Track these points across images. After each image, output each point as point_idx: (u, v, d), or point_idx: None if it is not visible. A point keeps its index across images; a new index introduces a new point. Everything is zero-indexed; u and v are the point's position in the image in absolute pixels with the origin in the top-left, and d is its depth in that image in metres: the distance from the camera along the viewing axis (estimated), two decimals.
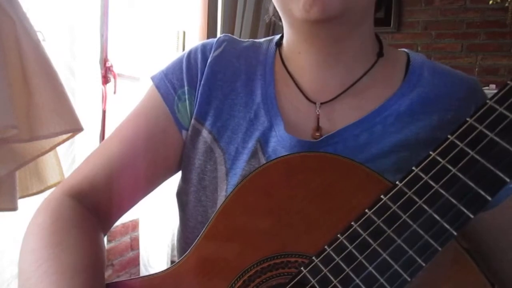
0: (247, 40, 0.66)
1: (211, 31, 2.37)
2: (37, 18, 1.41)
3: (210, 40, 0.65)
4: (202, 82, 0.61)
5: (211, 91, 0.61)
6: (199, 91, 0.61)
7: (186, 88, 0.61)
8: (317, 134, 0.56)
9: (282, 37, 0.64)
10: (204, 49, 0.63)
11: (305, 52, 0.59)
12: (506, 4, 2.57)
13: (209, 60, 0.62)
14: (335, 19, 0.51)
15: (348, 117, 0.57)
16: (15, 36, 0.99)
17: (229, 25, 2.41)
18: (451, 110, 0.56)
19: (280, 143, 0.56)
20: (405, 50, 0.63)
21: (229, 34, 0.67)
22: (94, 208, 0.58)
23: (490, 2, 2.49)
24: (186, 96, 0.61)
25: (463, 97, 0.57)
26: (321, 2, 0.49)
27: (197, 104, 0.61)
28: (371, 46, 0.60)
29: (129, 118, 0.63)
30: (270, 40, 0.65)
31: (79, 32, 1.66)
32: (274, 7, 0.60)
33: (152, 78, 0.64)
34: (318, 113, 0.57)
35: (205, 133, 0.60)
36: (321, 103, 0.58)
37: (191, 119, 0.61)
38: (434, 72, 0.59)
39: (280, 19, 0.62)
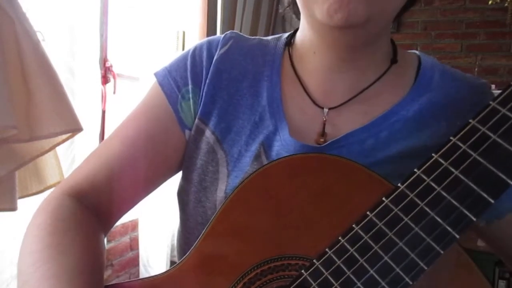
0: (254, 37, 0.64)
1: (210, 31, 2.37)
2: (37, 18, 1.40)
3: (217, 36, 0.63)
4: (207, 81, 0.59)
5: (216, 90, 0.59)
6: (204, 90, 0.59)
7: (190, 86, 0.60)
8: (321, 140, 0.55)
9: (292, 35, 0.63)
10: (210, 46, 0.61)
11: (320, 53, 0.57)
12: (506, 4, 2.56)
13: (215, 58, 0.60)
14: (358, 27, 0.50)
15: (354, 123, 0.56)
16: (15, 36, 0.99)
17: (228, 25, 2.41)
18: (460, 116, 0.54)
19: (284, 147, 0.55)
20: (416, 52, 0.61)
21: (236, 31, 0.65)
22: (94, 208, 0.57)
23: (490, 2, 2.49)
24: (190, 95, 0.60)
25: (474, 103, 0.55)
26: (346, 9, 0.47)
27: (201, 103, 0.60)
28: (386, 53, 0.59)
29: (131, 117, 0.62)
30: (278, 39, 0.64)
31: (79, 32, 1.66)
32: (291, 0, 0.59)
33: (156, 75, 0.62)
34: (325, 119, 0.56)
35: (208, 134, 0.59)
36: (329, 109, 0.56)
37: (194, 119, 0.60)
38: (444, 76, 0.57)
39: (294, 13, 0.60)
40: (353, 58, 0.56)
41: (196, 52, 0.61)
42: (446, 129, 0.54)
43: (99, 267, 0.51)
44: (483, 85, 0.58)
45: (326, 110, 0.57)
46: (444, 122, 0.54)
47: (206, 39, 0.63)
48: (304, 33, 0.60)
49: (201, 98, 0.60)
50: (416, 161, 0.53)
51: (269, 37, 0.65)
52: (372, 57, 0.57)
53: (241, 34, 0.64)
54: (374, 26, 0.52)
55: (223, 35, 0.63)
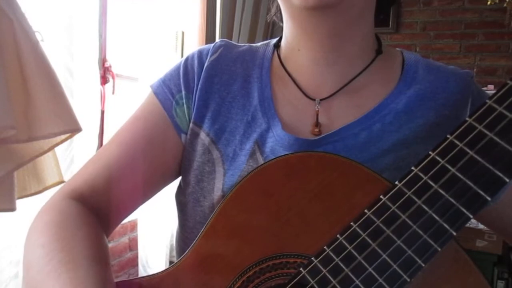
0: (243, 44, 0.67)
1: (209, 31, 2.37)
2: (36, 18, 1.41)
3: (207, 45, 0.66)
4: (199, 86, 0.62)
5: (208, 94, 0.61)
6: (196, 95, 0.62)
7: (183, 92, 0.62)
8: (317, 130, 0.57)
9: (280, 39, 0.65)
10: (201, 54, 0.64)
11: (305, 48, 0.59)
12: (504, 5, 2.57)
13: (205, 65, 0.63)
14: (333, 7, 0.52)
15: (347, 114, 0.57)
16: (14, 36, 0.99)
17: (227, 26, 2.41)
18: (448, 106, 0.57)
19: (278, 142, 0.56)
20: (399, 49, 0.64)
21: (226, 39, 0.68)
22: (95, 212, 0.58)
23: (489, 2, 2.49)
24: (184, 101, 0.62)
25: (458, 91, 0.58)
26: None
27: (194, 108, 0.62)
28: (371, 45, 0.61)
29: (128, 123, 0.63)
30: (267, 44, 0.66)
31: (78, 32, 1.66)
32: (277, 7, 0.60)
33: (151, 86, 0.65)
34: (317, 109, 0.58)
35: (203, 136, 0.61)
36: (321, 100, 0.58)
37: (189, 123, 0.62)
38: (428, 69, 0.60)
39: (281, 20, 0.62)
40: (336, 49, 0.57)
41: (188, 61, 0.64)
42: (435, 118, 0.56)
43: (109, 262, 0.53)
44: (466, 74, 0.60)
45: (317, 100, 0.58)
46: (432, 112, 0.56)
47: (197, 49, 0.66)
48: (287, 32, 0.62)
49: (194, 103, 0.62)
50: (409, 152, 0.54)
51: (259, 44, 0.67)
52: (356, 48, 0.58)
53: (231, 41, 0.67)
54: (350, 8, 0.53)
55: (213, 44, 0.65)
